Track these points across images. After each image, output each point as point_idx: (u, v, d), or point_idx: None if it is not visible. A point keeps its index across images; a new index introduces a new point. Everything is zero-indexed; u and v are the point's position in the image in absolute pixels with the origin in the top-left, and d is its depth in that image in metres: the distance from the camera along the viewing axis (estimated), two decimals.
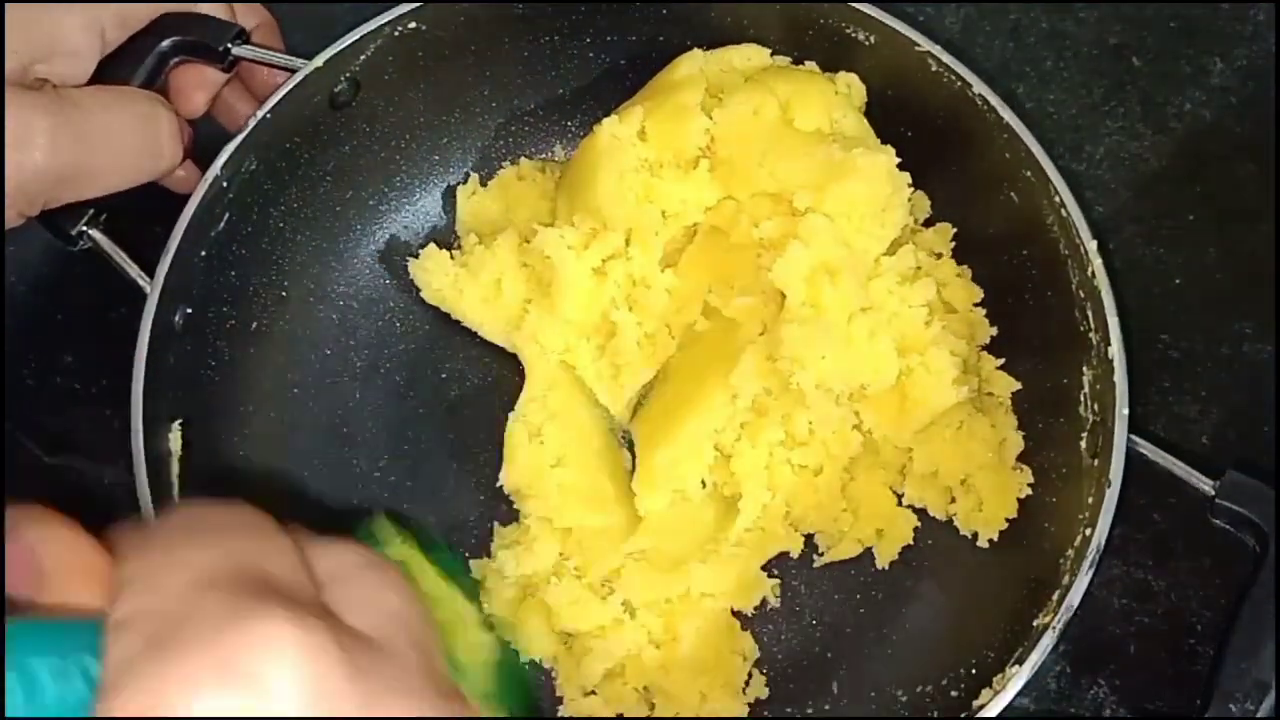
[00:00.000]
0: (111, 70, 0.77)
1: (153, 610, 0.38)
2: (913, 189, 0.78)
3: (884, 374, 0.75)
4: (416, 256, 0.85)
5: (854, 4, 0.81)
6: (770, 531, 0.79)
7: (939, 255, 0.84)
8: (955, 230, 0.84)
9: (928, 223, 0.85)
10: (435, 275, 0.84)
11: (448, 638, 0.53)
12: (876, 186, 0.76)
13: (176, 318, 0.78)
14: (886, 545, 0.80)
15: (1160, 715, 0.78)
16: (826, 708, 0.79)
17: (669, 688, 0.78)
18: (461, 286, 0.83)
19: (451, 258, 0.85)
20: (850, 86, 0.82)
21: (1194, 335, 0.87)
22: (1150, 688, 0.79)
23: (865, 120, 0.82)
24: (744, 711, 0.78)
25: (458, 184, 0.90)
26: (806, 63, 0.84)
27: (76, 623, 0.38)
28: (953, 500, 0.80)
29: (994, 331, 0.82)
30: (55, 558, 0.39)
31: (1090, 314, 0.75)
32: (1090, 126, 0.94)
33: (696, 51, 0.83)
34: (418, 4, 0.81)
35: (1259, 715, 0.65)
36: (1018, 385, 0.81)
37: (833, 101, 0.80)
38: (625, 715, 0.78)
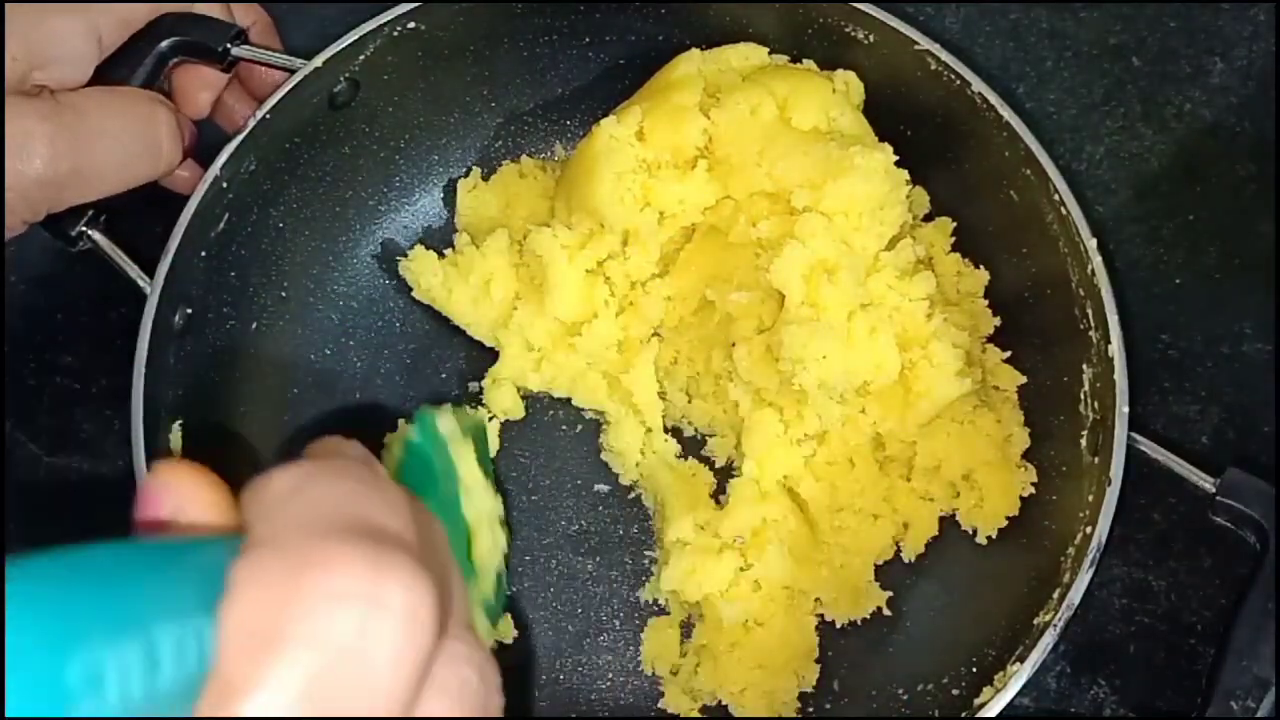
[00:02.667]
0: (111, 71, 0.77)
1: (282, 541, 0.38)
2: (911, 185, 0.78)
3: (886, 370, 0.75)
4: None
5: (853, 3, 0.81)
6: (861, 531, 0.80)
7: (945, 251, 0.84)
8: (954, 227, 0.85)
9: (927, 218, 0.85)
10: (424, 274, 0.84)
11: (472, 534, 0.53)
12: (874, 184, 0.76)
13: (176, 318, 0.78)
14: (913, 538, 0.80)
15: (1160, 715, 0.78)
16: (828, 706, 0.79)
17: (727, 665, 0.78)
18: (450, 286, 0.83)
19: (441, 256, 0.85)
20: (848, 84, 0.82)
21: (1194, 335, 0.87)
22: (1150, 688, 0.79)
23: (863, 118, 0.81)
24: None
25: (457, 181, 0.90)
26: (804, 61, 0.84)
27: (206, 542, 0.38)
28: (956, 495, 0.80)
29: (997, 322, 0.82)
30: (187, 490, 0.40)
31: (1090, 312, 0.75)
32: (1090, 126, 0.94)
33: (694, 51, 0.83)
34: (416, 4, 0.81)
35: (1260, 714, 0.65)
36: (1023, 378, 0.81)
37: (830, 100, 0.80)
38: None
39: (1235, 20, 0.96)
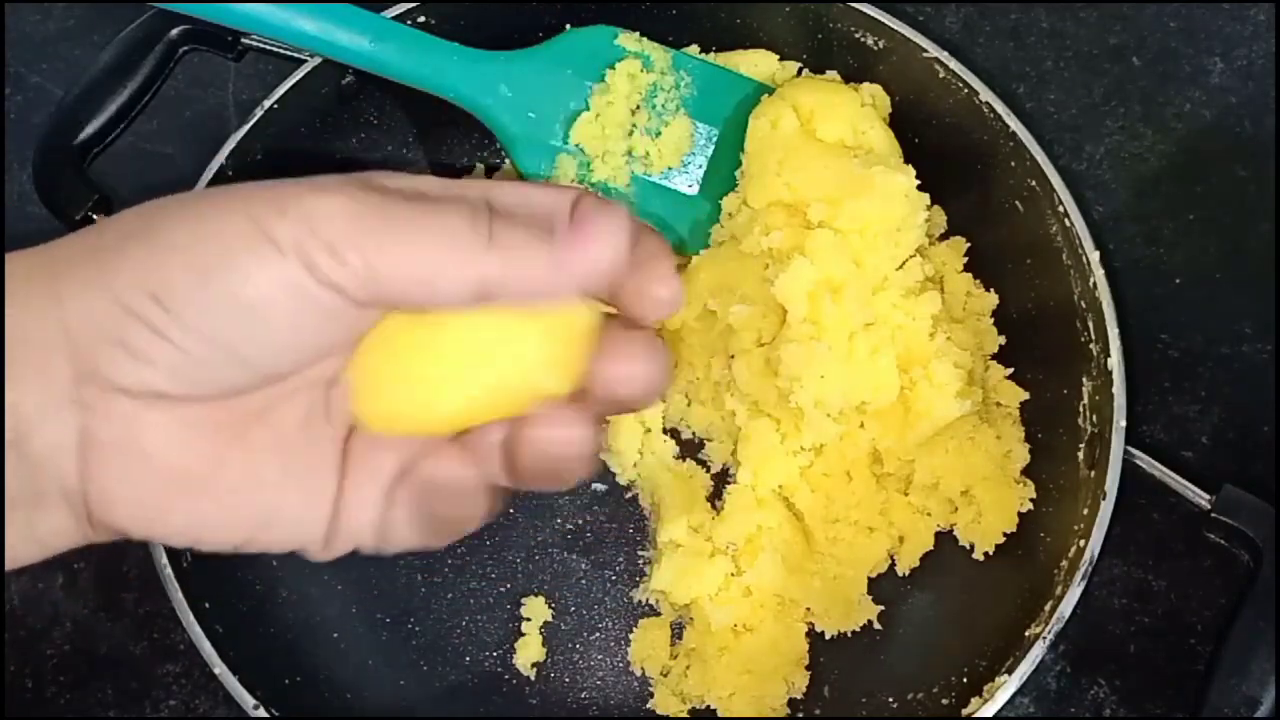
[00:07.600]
0: (117, 61, 0.76)
1: None
2: (930, 205, 0.78)
3: (885, 391, 0.75)
4: None
5: (854, 4, 0.81)
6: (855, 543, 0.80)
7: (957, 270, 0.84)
8: (968, 247, 0.84)
9: (941, 237, 0.85)
10: None
11: None
12: (893, 206, 0.75)
13: None
14: (908, 552, 0.80)
15: (1160, 716, 0.79)
16: (817, 712, 0.79)
17: (716, 669, 0.78)
18: None
19: None
20: (874, 97, 0.82)
21: (1194, 335, 0.87)
22: (1150, 688, 0.79)
23: (892, 135, 0.81)
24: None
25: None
26: (828, 72, 0.84)
27: None
28: (954, 510, 0.80)
29: (1002, 340, 0.82)
30: None
31: (1091, 325, 0.75)
32: (1090, 126, 0.94)
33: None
34: (415, 2, 0.81)
35: None
36: (1025, 395, 0.81)
37: (859, 113, 0.80)
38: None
39: (1235, 20, 0.96)
